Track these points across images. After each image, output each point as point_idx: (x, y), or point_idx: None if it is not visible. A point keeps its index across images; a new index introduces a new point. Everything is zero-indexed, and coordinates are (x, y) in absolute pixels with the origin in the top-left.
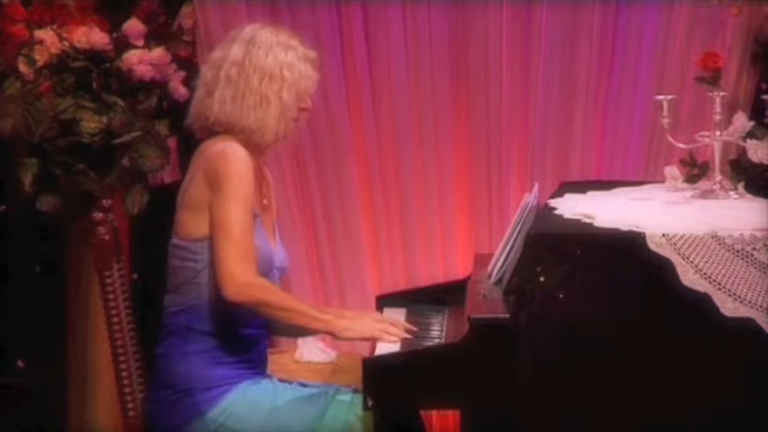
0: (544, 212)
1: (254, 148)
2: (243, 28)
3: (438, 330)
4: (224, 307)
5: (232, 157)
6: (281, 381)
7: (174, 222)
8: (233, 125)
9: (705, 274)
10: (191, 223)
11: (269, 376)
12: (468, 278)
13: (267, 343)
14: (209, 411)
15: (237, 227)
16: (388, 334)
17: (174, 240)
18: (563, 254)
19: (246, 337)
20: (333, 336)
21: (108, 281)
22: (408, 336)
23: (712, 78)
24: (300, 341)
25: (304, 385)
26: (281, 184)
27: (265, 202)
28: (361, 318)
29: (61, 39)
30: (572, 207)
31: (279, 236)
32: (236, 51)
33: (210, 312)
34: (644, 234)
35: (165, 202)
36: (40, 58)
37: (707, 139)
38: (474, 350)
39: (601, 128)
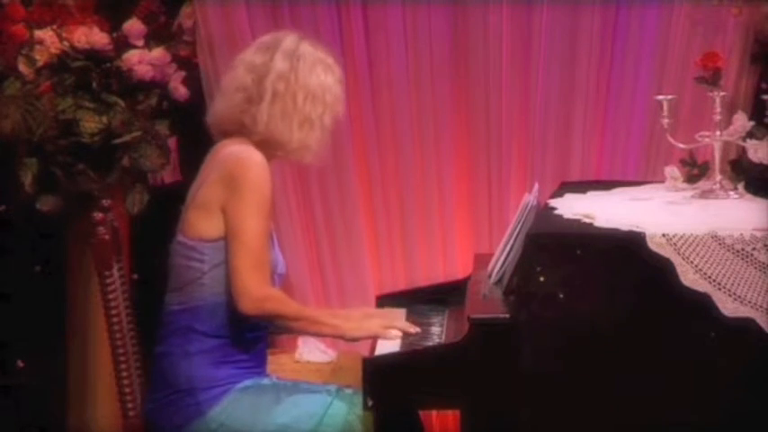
0: (544, 212)
1: (268, 152)
2: (281, 35)
3: (438, 330)
4: (226, 309)
5: (251, 162)
6: (281, 380)
7: (182, 221)
8: (276, 142)
9: (705, 274)
10: (201, 224)
11: (269, 376)
12: (468, 278)
13: (267, 343)
14: (209, 411)
15: (255, 237)
16: (393, 329)
17: (181, 238)
18: (563, 254)
19: (248, 338)
20: (343, 339)
21: (108, 281)
22: (412, 331)
23: (712, 78)
24: (300, 341)
25: (304, 385)
26: (282, 184)
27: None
28: (368, 318)
29: (61, 39)
30: (572, 207)
31: (276, 241)
32: (280, 64)
33: (213, 313)
34: (644, 234)
35: (165, 202)
36: (40, 58)
37: (707, 139)
38: (474, 350)
39: (601, 128)
